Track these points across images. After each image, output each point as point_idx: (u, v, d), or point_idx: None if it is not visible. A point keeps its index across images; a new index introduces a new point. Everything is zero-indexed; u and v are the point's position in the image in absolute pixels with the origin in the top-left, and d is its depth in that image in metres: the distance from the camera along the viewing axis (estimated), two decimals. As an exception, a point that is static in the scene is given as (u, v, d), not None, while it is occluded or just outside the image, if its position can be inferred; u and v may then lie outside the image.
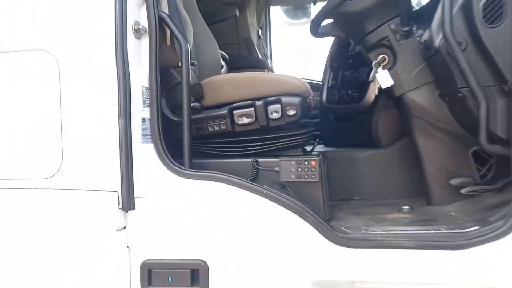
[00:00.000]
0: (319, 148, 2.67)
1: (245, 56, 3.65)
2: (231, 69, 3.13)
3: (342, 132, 2.80)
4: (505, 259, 1.47)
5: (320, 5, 4.52)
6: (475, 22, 1.53)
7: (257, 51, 3.93)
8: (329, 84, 2.95)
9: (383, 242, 1.57)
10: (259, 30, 4.38)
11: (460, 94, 1.65)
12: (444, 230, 1.62)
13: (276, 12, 4.84)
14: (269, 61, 4.30)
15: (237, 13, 3.34)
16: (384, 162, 2.39)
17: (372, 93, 2.46)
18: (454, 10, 1.60)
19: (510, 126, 1.48)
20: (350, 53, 2.80)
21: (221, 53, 2.84)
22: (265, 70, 3.37)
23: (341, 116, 2.79)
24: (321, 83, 3.13)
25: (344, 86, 2.80)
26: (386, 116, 2.43)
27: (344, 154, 2.48)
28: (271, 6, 4.66)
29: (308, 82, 4.22)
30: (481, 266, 1.49)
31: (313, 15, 3.98)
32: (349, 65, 2.77)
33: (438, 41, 1.64)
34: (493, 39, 1.52)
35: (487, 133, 1.57)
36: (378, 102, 2.46)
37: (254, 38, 4.13)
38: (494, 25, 1.52)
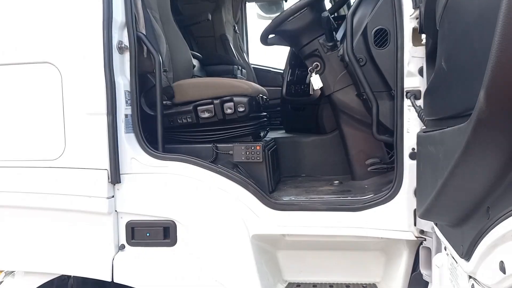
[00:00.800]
0: (275, 134, 3.20)
1: (217, 54, 4.09)
2: (204, 65, 3.61)
3: (298, 120, 3.32)
4: (387, 217, 2.03)
5: (290, 2, 4.99)
6: (369, 45, 2.06)
7: (232, 46, 4.36)
8: (288, 79, 3.46)
9: (304, 206, 2.12)
10: (235, 25, 4.80)
11: (364, 96, 2.20)
12: (349, 198, 2.17)
13: (253, 8, 5.28)
14: (244, 55, 4.74)
15: (210, 17, 3.80)
16: (325, 145, 2.92)
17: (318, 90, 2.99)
18: (358, 34, 2.13)
19: (393, 120, 2.02)
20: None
21: (194, 53, 3.32)
22: (235, 66, 3.84)
23: (296, 106, 3.32)
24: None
25: (298, 82, 3.33)
26: (328, 109, 2.93)
27: (293, 139, 3.02)
28: (246, 2, 5.10)
29: (279, 72, 4.71)
30: (371, 222, 2.05)
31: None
32: (302, 64, 3.28)
33: (346, 57, 2.17)
34: (381, 58, 2.05)
35: (378, 126, 2.12)
36: (322, 97, 2.99)
37: (230, 34, 4.51)
38: (381, 48, 2.05)
